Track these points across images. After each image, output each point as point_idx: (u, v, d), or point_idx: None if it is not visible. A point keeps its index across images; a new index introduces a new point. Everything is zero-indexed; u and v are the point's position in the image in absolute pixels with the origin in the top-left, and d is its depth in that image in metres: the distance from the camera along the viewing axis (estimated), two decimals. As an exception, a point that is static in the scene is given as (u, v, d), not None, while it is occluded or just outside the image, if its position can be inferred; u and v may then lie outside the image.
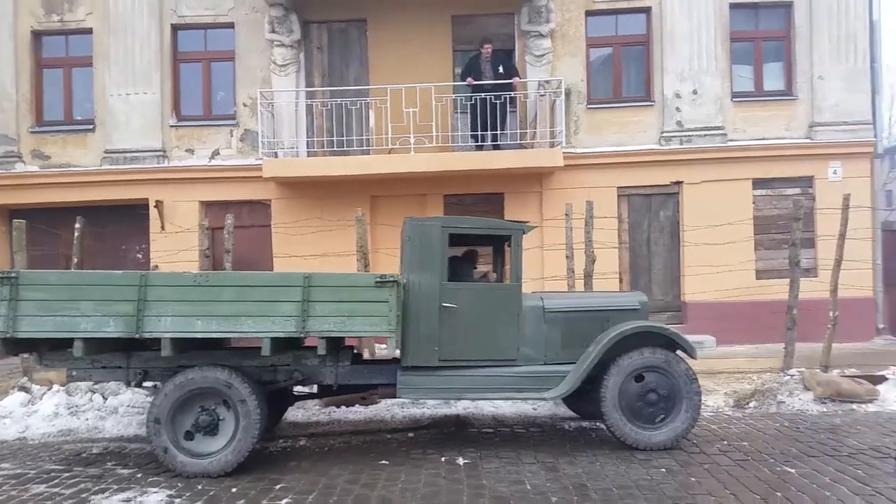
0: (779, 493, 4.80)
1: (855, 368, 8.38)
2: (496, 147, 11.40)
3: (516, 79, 11.35)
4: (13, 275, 5.60)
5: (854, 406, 7.30)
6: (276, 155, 11.69)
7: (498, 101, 10.94)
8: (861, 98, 12.18)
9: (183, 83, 12.52)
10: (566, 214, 9.36)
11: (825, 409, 7.28)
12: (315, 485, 5.32)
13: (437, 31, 12.16)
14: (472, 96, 11.08)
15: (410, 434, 6.88)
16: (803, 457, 5.67)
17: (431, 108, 11.20)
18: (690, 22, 12.13)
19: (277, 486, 5.29)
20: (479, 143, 11.43)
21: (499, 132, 11.34)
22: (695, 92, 12.15)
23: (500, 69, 11.31)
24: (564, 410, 7.45)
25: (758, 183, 12.14)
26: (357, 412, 7.62)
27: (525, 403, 7.62)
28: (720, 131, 12.13)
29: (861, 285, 11.10)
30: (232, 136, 12.25)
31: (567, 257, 9.23)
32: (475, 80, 11.10)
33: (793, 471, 5.31)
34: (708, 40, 12.17)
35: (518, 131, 11.70)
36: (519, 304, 6.30)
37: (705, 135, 12.12)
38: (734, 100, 12.31)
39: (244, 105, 12.22)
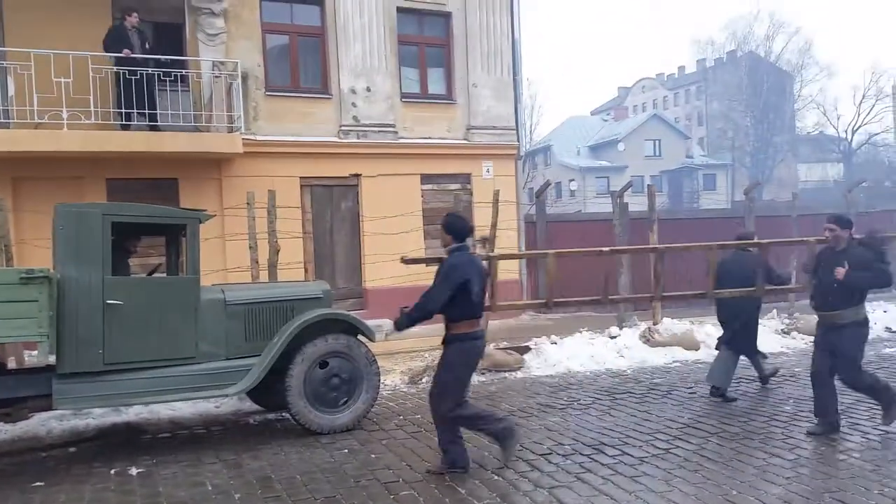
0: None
1: (506, 342, 9.68)
2: (153, 128, 10.58)
3: (165, 57, 10.58)
4: None
5: (506, 374, 8.44)
6: None
7: (135, 78, 10.03)
8: (507, 106, 14.05)
9: None
10: (248, 203, 9.12)
11: (484, 379, 8.29)
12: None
13: (95, -3, 10.87)
14: (117, 69, 10.08)
15: (72, 449, 6.10)
16: (466, 423, 6.37)
17: (88, 79, 9.96)
18: (362, 20, 12.65)
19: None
20: (126, 122, 10.47)
21: (158, 112, 10.54)
22: (368, 89, 12.76)
23: (146, 45, 10.51)
24: (250, 405, 7.30)
25: (425, 178, 13.26)
26: (1, 431, 6.51)
27: (207, 402, 7.27)
28: (392, 129, 12.95)
29: (509, 269, 12.82)
30: None
31: (250, 248, 9.00)
32: (118, 52, 10.12)
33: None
34: (379, 40, 12.85)
35: (192, 113, 11.04)
36: (197, 298, 5.99)
37: (379, 131, 12.83)
38: (403, 100, 13.24)
39: None
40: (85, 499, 4.79)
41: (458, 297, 4.76)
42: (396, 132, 12.96)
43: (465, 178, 13.58)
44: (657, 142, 54.76)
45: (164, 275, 6.83)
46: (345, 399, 6.32)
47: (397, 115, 13.04)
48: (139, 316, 5.66)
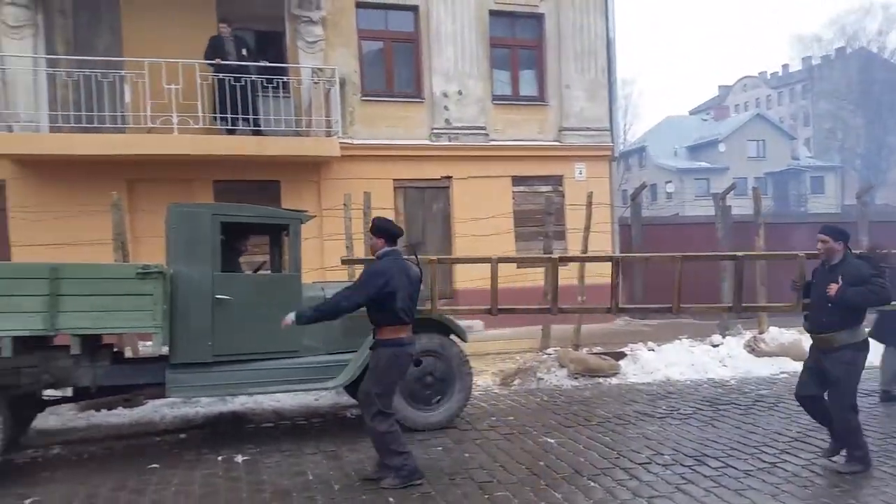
0: (541, 462, 5.29)
1: (600, 347, 9.51)
2: (256, 133, 11.03)
3: (263, 62, 11.05)
4: None
5: (600, 380, 8.29)
6: (10, 129, 10.17)
7: (240, 84, 10.52)
8: (600, 107, 13.81)
9: None
10: (344, 205, 9.38)
11: (577, 384, 8.17)
12: (74, 495, 4.79)
13: (200, 6, 11.44)
14: (220, 77, 10.57)
15: (183, 435, 6.46)
16: (561, 427, 6.31)
17: (196, 86, 10.51)
18: (455, 25, 12.77)
19: (27, 501, 4.67)
20: (232, 127, 10.96)
21: (262, 117, 11.00)
22: (460, 92, 12.85)
23: (244, 52, 10.95)
24: (347, 399, 7.48)
25: (516, 180, 13.22)
26: (120, 415, 6.97)
27: (307, 395, 7.52)
28: (483, 131, 12.99)
29: (603, 273, 12.52)
30: (-50, 104, 10.43)
31: (347, 247, 9.25)
32: (222, 60, 10.63)
33: (552, 441, 5.88)
34: (470, 44, 12.93)
35: (293, 118, 11.45)
36: (298, 295, 6.19)
37: (470, 133, 12.89)
38: (494, 102, 13.26)
39: (-32, 69, 10.45)
40: (195, 483, 5.05)
41: (382, 303, 4.74)
42: (487, 134, 13.00)
43: (557, 180, 13.45)
44: (761, 142, 52.22)
45: (269, 272, 7.09)
46: (438, 397, 6.39)
47: (488, 118, 13.08)
48: (246, 310, 5.91)
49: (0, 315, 4.92)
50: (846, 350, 4.88)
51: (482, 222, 12.09)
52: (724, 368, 8.66)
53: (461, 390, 6.43)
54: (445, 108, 12.73)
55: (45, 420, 6.69)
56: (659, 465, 5.17)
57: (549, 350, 8.90)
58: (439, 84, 12.70)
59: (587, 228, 9.27)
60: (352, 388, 6.71)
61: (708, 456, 5.31)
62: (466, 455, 5.55)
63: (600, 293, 12.48)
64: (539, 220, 12.34)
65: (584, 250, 9.20)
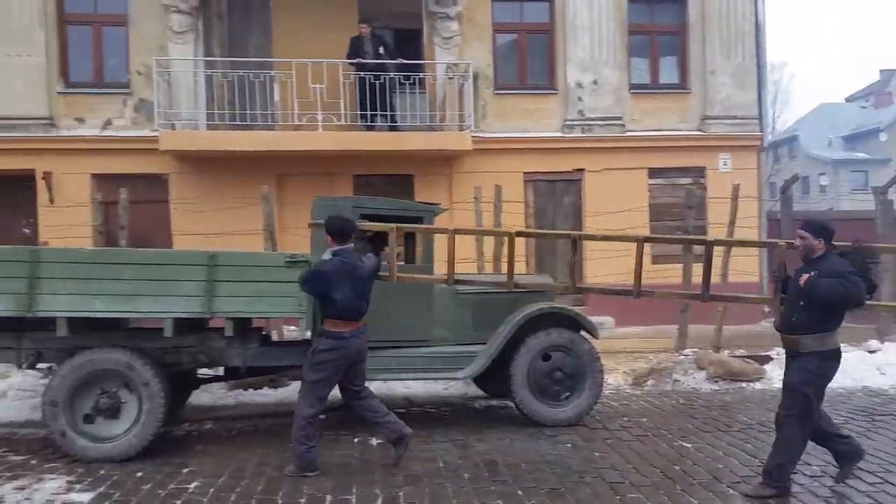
0: (677, 467, 5.10)
1: (743, 349, 8.98)
2: (393, 128, 11.36)
3: (399, 59, 11.30)
4: None
5: (743, 384, 7.86)
6: (173, 127, 11.14)
7: (378, 82, 10.84)
8: (748, 93, 13.00)
9: (71, 47, 11.64)
10: (475, 198, 9.48)
11: (717, 388, 7.80)
12: (224, 468, 5.18)
13: (343, 5, 11.93)
14: (361, 75, 10.94)
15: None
16: (698, 432, 6.05)
17: (339, 84, 11.00)
18: (591, 13, 12.48)
19: (185, 470, 5.11)
20: (370, 124, 11.33)
21: (398, 113, 11.32)
22: (595, 82, 12.56)
23: (381, 50, 11.24)
24: (474, 390, 7.59)
25: (653, 172, 12.74)
26: (265, 395, 7.46)
27: (436, 383, 7.71)
28: (619, 121, 12.62)
29: (748, 271, 11.89)
30: (126, 105, 11.55)
31: (476, 240, 9.36)
32: (357, 59, 11.00)
33: (689, 445, 5.66)
34: (608, 32, 12.59)
35: (428, 113, 11.70)
36: (431, 286, 6.35)
37: (605, 124, 12.57)
38: (632, 91, 12.83)
39: (138, 73, 11.53)
40: (333, 462, 5.31)
41: (324, 299, 4.93)
42: (623, 125, 12.62)
43: (699, 172, 12.83)
44: (927, 132, 47.03)
45: (403, 263, 7.30)
46: (567, 394, 6.32)
47: (625, 108, 12.70)
48: (381, 299, 6.12)
49: (163, 298, 5.38)
50: (811, 357, 4.40)
51: (615, 216, 11.76)
52: (882, 377, 7.94)
53: (591, 388, 6.32)
54: (579, 98, 12.50)
55: (199, 397, 7.28)
56: (807, 476, 4.83)
57: (686, 351, 8.54)
58: (573, 74, 12.49)
59: (732, 223, 8.79)
60: (480, 378, 6.84)
61: (863, 470, 4.88)
62: (596, 454, 5.45)
63: (745, 291, 11.88)
64: (677, 214, 11.86)
65: (729, 247, 8.72)
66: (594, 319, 7.44)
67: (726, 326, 8.91)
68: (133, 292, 5.36)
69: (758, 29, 13.11)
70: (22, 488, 4.74)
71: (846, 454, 4.67)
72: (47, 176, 11.09)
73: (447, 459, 5.31)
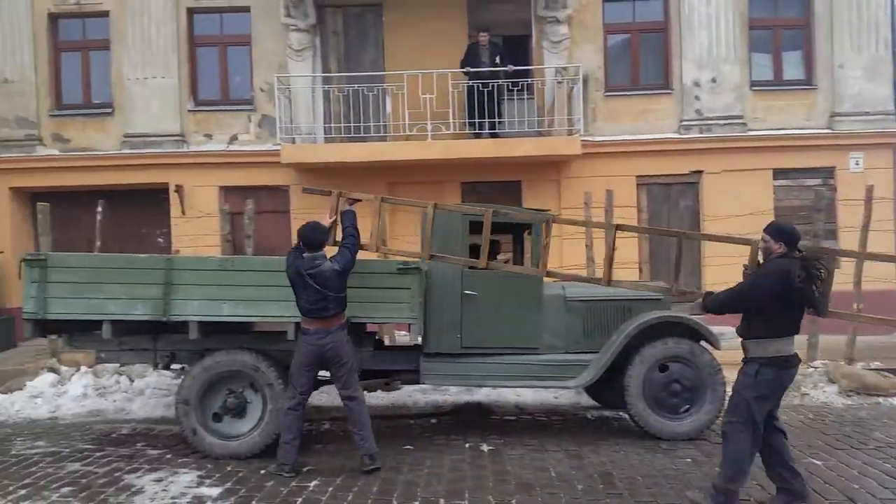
0: (806, 486, 4.78)
1: (879, 362, 8.31)
2: (493, 136, 11.35)
3: (510, 66, 11.24)
4: (42, 257, 5.66)
5: (879, 399, 7.27)
6: (293, 140, 11.67)
7: (487, 90, 10.88)
8: (882, 87, 12.04)
9: (200, 68, 12.49)
10: (585, 203, 9.32)
11: (850, 402, 7.26)
12: (342, 468, 5.37)
13: (453, 16, 12.08)
14: (471, 83, 11.00)
15: (433, 420, 6.92)
16: (830, 449, 5.68)
17: (448, 94, 11.16)
18: (709, 8, 11.99)
19: (305, 469, 5.33)
20: (478, 132, 11.37)
21: (506, 120, 11.31)
22: (714, 80, 12.04)
23: (498, 59, 11.25)
24: (586, 399, 7.46)
25: (778, 173, 12.04)
26: (379, 397, 7.65)
27: (547, 392, 7.63)
28: (740, 120, 12.04)
29: (884, 278, 11.00)
30: (250, 121, 12.24)
31: (587, 246, 9.20)
32: (472, 68, 11.06)
33: (819, 463, 5.32)
34: (727, 27, 12.05)
35: (536, 119, 11.64)
36: (541, 293, 6.30)
37: (725, 124, 12.02)
38: (753, 88, 12.20)
39: (261, 90, 12.20)
40: (445, 467, 5.37)
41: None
42: (745, 124, 12.02)
43: (828, 172, 11.99)
44: None
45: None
46: (686, 406, 6.08)
47: (746, 106, 12.08)
48: (491, 306, 6.15)
49: (288, 303, 5.63)
50: (752, 363, 4.32)
51: (737, 220, 11.20)
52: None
53: (712, 401, 6.03)
54: (696, 97, 12.02)
55: (317, 398, 7.56)
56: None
57: (816, 363, 7.98)
58: (690, 72, 12.03)
59: (866, 227, 8.15)
60: (592, 388, 6.70)
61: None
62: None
63: (882, 300, 11.04)
64: (805, 217, 11.11)
65: (863, 253, 8.09)
66: (714, 329, 7.12)
67: (860, 337, 8.27)
68: (258, 298, 5.66)
69: (893, 16, 12.11)
70: (159, 480, 5.12)
71: (787, 491, 4.38)
72: (179, 189, 11.93)
73: (559, 470, 5.24)
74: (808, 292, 4.20)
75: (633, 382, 5.99)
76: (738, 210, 11.29)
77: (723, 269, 11.26)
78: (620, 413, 6.91)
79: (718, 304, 4.61)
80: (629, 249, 11.39)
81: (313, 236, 5.33)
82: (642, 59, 12.48)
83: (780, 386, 4.38)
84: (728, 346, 7.70)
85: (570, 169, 11.87)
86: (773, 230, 4.47)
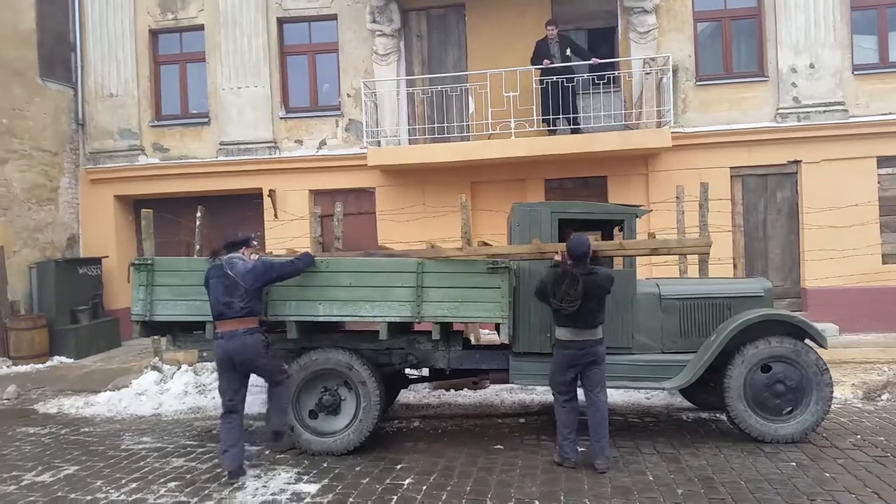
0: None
1: None
2: (575, 131, 11.16)
3: (595, 60, 11.04)
4: (149, 261, 5.97)
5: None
6: (378, 143, 11.88)
7: (571, 85, 10.75)
8: None
9: (290, 76, 12.89)
10: (677, 197, 9.03)
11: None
12: (434, 466, 5.41)
13: (536, 11, 11.95)
14: (543, 79, 10.86)
15: (521, 420, 6.88)
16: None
17: (532, 91, 11.07)
18: (806, -10, 11.41)
19: (398, 466, 5.41)
20: (552, 128, 11.20)
21: (591, 114, 11.14)
22: (812, 65, 11.43)
23: (568, 52, 11.06)
24: (680, 401, 7.24)
25: (883, 161, 11.31)
26: (466, 396, 7.69)
27: (637, 392, 7.46)
28: (841, 107, 11.37)
29: (860, 273, 10.21)
30: (337, 126, 12.54)
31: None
32: (547, 62, 10.92)
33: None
34: (826, 10, 11.41)
35: (623, 112, 11.38)
36: (633, 291, 6.16)
37: (824, 111, 11.39)
38: (855, 73, 11.49)
39: (348, 96, 12.46)
40: (538, 467, 5.33)
41: None
42: (846, 110, 11.34)
43: (938, 159, 11.19)
44: None
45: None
46: (790, 408, 5.80)
47: (847, 91, 11.40)
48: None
49: (380, 304, 5.75)
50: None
51: (839, 211, 10.63)
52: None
53: (818, 402, 5.74)
54: (793, 84, 11.44)
55: (405, 396, 7.69)
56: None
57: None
58: (786, 58, 11.46)
59: None
60: (687, 389, 6.48)
61: None
62: (827, 475, 4.95)
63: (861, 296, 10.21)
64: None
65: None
66: (818, 326, 6.79)
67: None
68: (352, 298, 5.78)
69: None
70: (258, 476, 5.31)
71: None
72: (272, 193, 12.36)
73: (657, 473, 5.10)
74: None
75: (733, 383, 5.75)
76: (839, 201, 10.72)
77: (824, 264, 10.78)
78: (718, 415, 6.67)
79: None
80: (724, 244, 10.99)
81: (232, 239, 5.69)
82: (735, 46, 11.98)
83: (559, 363, 5.44)
84: (829, 344, 7.36)
85: (658, 162, 11.54)
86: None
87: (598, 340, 5.36)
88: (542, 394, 7.71)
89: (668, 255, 6.76)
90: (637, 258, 6.30)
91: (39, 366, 10.73)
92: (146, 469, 5.57)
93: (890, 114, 11.28)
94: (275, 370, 5.49)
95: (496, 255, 5.91)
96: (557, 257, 5.51)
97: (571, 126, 11.20)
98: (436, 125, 11.52)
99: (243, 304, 5.24)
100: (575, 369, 5.37)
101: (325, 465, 5.53)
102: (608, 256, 6.49)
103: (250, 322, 5.27)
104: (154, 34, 13.18)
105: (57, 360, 11.12)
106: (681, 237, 6.70)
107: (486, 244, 7.02)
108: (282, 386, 5.52)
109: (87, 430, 6.94)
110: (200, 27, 12.93)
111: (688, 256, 8.85)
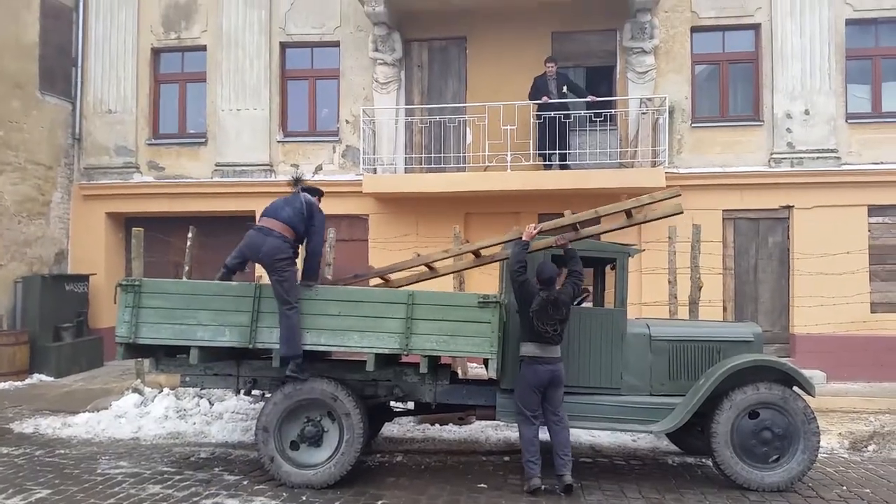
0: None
1: None
2: (563, 167, 11.23)
3: (591, 97, 11.16)
4: (137, 283, 5.90)
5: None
6: (375, 171, 11.90)
7: (568, 121, 10.86)
8: None
9: (290, 100, 12.93)
10: (669, 238, 9.06)
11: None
12: (415, 502, 5.30)
13: (537, 48, 12.07)
14: (540, 114, 10.96)
15: (506, 458, 6.78)
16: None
17: (529, 125, 11.13)
18: (802, 39, 11.58)
19: (379, 502, 5.31)
20: (548, 163, 11.28)
21: (587, 151, 11.21)
22: (806, 112, 11.57)
23: (565, 89, 11.20)
24: (667, 444, 7.17)
25: (874, 210, 11.41)
26: (451, 431, 7.59)
27: (624, 434, 7.36)
28: (834, 154, 11.50)
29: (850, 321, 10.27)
30: (334, 151, 12.56)
31: (669, 282, 8.91)
32: (546, 98, 11.03)
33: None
34: (821, 58, 11.58)
35: (618, 150, 11.46)
36: (623, 331, 6.13)
37: (818, 157, 11.50)
38: (849, 121, 11.64)
39: (346, 122, 12.51)
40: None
41: None
42: (839, 157, 11.46)
43: (928, 210, 11.29)
44: None
45: (591, 305, 7.12)
46: (776, 456, 5.75)
47: (840, 139, 11.53)
48: (570, 343, 6.00)
49: (369, 334, 5.69)
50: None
51: (830, 258, 10.66)
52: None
53: (805, 450, 5.69)
54: (788, 129, 11.56)
55: (389, 429, 7.58)
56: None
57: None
58: (782, 104, 11.60)
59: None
60: (673, 433, 6.41)
61: None
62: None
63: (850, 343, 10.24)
64: (904, 256, 10.54)
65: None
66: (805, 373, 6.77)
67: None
68: (340, 328, 5.71)
69: None
70: (236, 507, 5.20)
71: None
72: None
73: (640, 518, 5.03)
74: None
75: (720, 429, 5.70)
76: (830, 248, 10.77)
77: (813, 310, 10.78)
78: (703, 460, 6.60)
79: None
80: (714, 287, 10.98)
81: (315, 186, 6.57)
82: (731, 90, 12.13)
83: (525, 379, 5.65)
84: (821, 393, 7.31)
85: (652, 202, 11.56)
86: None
87: (560, 358, 5.67)
88: (527, 431, 7.60)
89: (641, 213, 6.95)
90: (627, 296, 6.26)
91: (18, 383, 10.54)
92: (121, 495, 5.44)
93: (882, 163, 11.41)
94: (282, 293, 5.66)
95: (480, 248, 6.59)
96: (525, 236, 6.05)
97: (559, 162, 11.25)
98: (433, 155, 11.56)
99: (288, 216, 5.92)
100: (541, 387, 5.61)
101: (303, 498, 5.43)
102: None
103: (287, 231, 5.87)
104: (156, 52, 13.23)
105: (37, 377, 10.94)
106: (653, 194, 6.82)
107: (474, 253, 7.08)
108: (283, 316, 5.65)
109: (62, 451, 6.81)
110: (203, 48, 12.99)
111: (677, 298, 8.83)
